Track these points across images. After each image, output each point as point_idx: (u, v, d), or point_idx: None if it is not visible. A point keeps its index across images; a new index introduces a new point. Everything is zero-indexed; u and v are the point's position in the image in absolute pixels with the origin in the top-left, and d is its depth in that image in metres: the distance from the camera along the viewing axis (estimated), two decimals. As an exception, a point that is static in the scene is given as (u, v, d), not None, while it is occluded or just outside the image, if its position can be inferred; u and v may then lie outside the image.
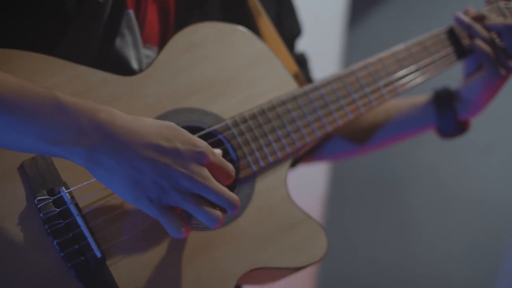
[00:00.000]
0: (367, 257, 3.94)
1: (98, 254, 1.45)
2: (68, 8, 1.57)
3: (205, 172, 1.42)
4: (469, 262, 3.69)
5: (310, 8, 2.06)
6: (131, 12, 1.67)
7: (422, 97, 2.01)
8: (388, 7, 3.73)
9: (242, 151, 1.64)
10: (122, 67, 1.65)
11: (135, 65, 1.68)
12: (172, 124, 1.43)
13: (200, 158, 1.41)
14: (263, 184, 1.65)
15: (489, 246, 3.62)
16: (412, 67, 1.86)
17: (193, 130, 1.58)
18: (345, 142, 2.07)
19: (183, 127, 1.62)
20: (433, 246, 3.80)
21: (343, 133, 2.06)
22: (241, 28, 1.75)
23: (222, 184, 1.46)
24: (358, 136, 2.06)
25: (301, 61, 2.07)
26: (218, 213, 1.42)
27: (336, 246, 3.97)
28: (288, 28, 2.03)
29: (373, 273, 3.91)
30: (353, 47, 3.74)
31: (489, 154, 3.59)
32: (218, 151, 1.49)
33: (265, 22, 1.88)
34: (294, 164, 2.09)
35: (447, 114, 1.95)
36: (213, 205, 1.43)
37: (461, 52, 1.92)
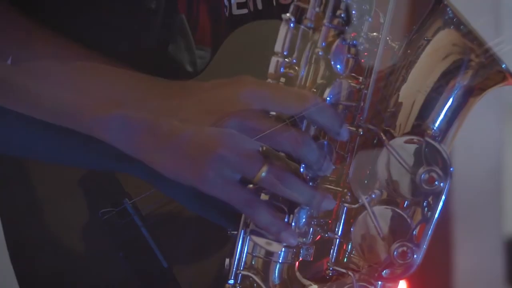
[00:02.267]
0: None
1: (165, 264, 1.45)
2: (120, 17, 1.55)
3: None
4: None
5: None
6: (183, 16, 1.65)
7: None
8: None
9: None
10: (176, 72, 1.63)
11: (189, 68, 1.65)
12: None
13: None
14: None
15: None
16: None
17: None
18: None
19: None
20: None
21: None
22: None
23: None
24: None
25: None
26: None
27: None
28: None
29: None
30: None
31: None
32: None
33: None
34: None
35: None
36: None
37: None
